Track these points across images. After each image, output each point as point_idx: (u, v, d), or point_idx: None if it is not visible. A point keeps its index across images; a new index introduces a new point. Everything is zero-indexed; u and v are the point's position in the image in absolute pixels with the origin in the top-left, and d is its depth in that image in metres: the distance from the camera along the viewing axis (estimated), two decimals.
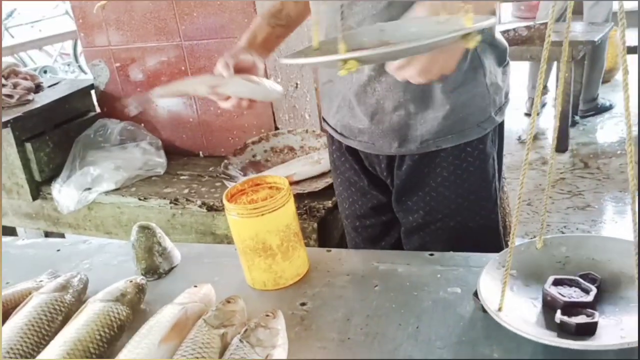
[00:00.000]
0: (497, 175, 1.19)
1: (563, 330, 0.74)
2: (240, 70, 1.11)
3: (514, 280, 0.84)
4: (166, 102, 2.17)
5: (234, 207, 0.96)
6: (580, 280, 0.81)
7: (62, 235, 2.26)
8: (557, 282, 0.80)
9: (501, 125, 1.18)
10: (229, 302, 0.87)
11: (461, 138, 1.12)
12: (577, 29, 3.52)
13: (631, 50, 3.41)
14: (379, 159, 1.20)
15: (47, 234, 2.33)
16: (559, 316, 0.75)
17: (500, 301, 0.77)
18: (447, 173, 1.14)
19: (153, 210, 1.88)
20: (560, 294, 0.78)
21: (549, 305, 0.79)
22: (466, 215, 1.17)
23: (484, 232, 1.19)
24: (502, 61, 1.15)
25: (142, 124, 2.21)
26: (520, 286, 0.84)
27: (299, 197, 1.66)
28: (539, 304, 0.81)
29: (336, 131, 1.24)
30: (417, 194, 1.18)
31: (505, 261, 0.80)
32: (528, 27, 3.35)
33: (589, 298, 0.77)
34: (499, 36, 1.14)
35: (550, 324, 0.76)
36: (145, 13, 2.05)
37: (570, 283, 0.80)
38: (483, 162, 1.15)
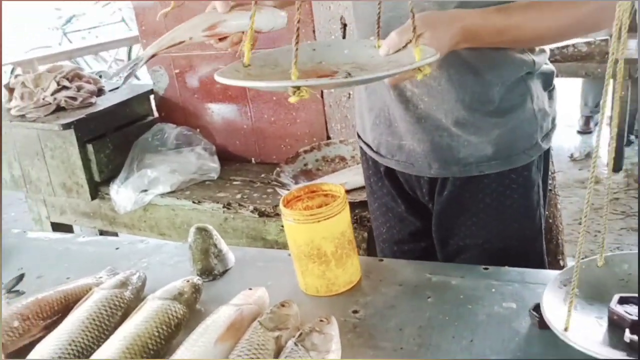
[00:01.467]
0: (542, 201, 1.15)
1: (632, 349, 0.72)
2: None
3: (577, 299, 0.83)
4: (221, 108, 2.22)
5: (291, 212, 0.97)
6: None
7: (116, 235, 2.33)
8: (622, 301, 0.78)
9: (547, 152, 1.14)
10: (283, 305, 0.88)
11: (506, 165, 1.09)
12: (632, 46, 3.42)
13: None
14: (419, 183, 1.17)
15: (102, 233, 2.40)
16: (628, 335, 0.73)
17: (567, 320, 0.76)
18: (489, 200, 1.11)
19: (206, 214, 1.92)
20: (627, 312, 0.76)
21: (615, 324, 0.77)
22: (508, 242, 1.14)
23: (527, 259, 1.14)
24: (547, 86, 1.12)
25: (198, 129, 2.27)
26: (584, 305, 0.82)
27: (349, 207, 1.66)
28: (604, 323, 0.79)
29: (372, 149, 1.22)
30: (459, 219, 1.15)
31: (566, 279, 0.79)
32: (588, 43, 3.28)
33: None
34: (545, 63, 1.11)
35: (617, 343, 0.75)
36: None
37: (636, 301, 0.78)
38: (527, 189, 1.11)
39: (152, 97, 2.38)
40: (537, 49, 1.06)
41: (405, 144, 1.13)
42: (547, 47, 1.10)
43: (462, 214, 1.14)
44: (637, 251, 0.85)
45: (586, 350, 0.71)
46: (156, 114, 2.39)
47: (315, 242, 0.96)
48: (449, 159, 1.10)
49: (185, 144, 2.19)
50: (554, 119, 1.14)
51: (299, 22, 0.70)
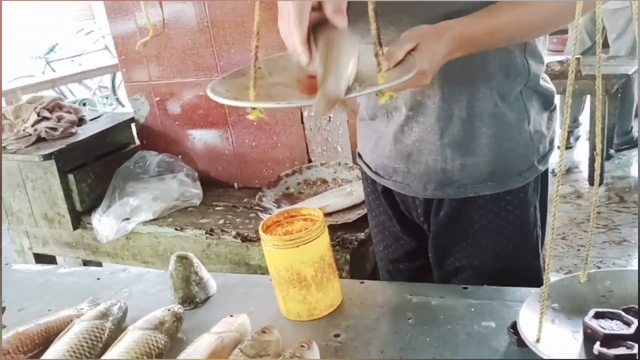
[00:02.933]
0: (538, 222, 1.15)
1: None
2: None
3: (557, 313, 0.84)
4: (202, 134, 2.23)
5: (270, 238, 0.98)
6: (623, 313, 0.80)
7: (99, 264, 2.31)
8: (598, 315, 0.80)
9: (545, 173, 1.14)
10: (264, 332, 0.88)
11: (501, 186, 1.08)
12: (605, 63, 3.51)
13: None
14: (415, 204, 1.17)
15: (85, 263, 2.38)
16: (597, 347, 0.74)
17: (538, 332, 0.77)
18: (485, 221, 1.11)
19: (189, 241, 1.92)
20: (600, 326, 0.77)
21: (589, 338, 0.78)
22: (505, 263, 1.14)
23: (524, 280, 1.13)
24: (548, 106, 1.12)
25: (180, 156, 2.27)
26: (563, 319, 0.83)
27: (331, 229, 1.67)
28: (580, 337, 0.80)
29: (370, 169, 1.23)
30: (455, 240, 1.15)
31: (543, 296, 0.80)
32: (561, 62, 3.35)
33: (630, 331, 0.77)
34: (544, 81, 1.11)
35: (588, 356, 0.76)
36: (184, 49, 2.12)
37: (612, 316, 0.80)
38: (524, 210, 1.11)
39: (133, 125, 2.38)
40: (531, 60, 1.05)
41: (400, 167, 1.14)
42: (544, 59, 1.09)
43: (458, 235, 1.14)
44: (620, 269, 0.87)
45: (550, 358, 0.72)
46: (137, 142, 2.39)
47: (295, 266, 0.97)
48: (444, 180, 1.09)
49: (167, 171, 2.19)
50: (552, 141, 1.13)
51: (257, 35, 0.70)
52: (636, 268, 0.86)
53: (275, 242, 0.97)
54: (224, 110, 2.13)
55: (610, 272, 0.90)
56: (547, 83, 1.12)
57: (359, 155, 1.29)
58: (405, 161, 1.12)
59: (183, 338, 0.98)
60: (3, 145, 2.17)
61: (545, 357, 0.73)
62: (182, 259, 1.11)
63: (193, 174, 2.20)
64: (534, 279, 1.16)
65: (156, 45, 2.17)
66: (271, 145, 2.08)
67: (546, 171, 1.14)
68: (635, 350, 0.73)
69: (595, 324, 0.78)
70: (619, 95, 3.65)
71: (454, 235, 1.15)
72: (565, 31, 3.92)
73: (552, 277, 0.82)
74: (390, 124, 1.12)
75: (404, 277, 1.28)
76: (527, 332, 0.78)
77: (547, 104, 1.11)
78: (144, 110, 2.31)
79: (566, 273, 2.78)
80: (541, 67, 1.09)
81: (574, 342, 0.79)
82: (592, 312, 0.81)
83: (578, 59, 3.27)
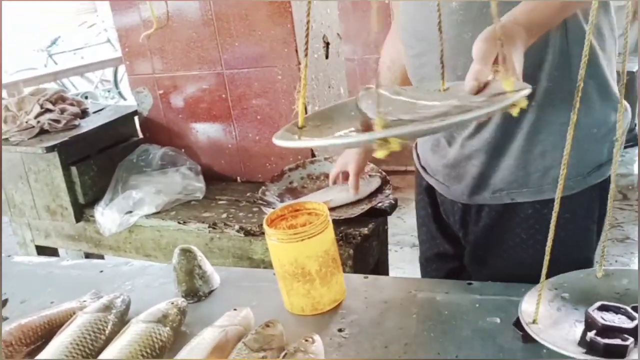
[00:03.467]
0: (593, 237, 1.06)
1: (592, 348, 0.73)
2: None
3: (564, 302, 0.83)
4: (205, 128, 2.22)
5: (275, 232, 0.97)
6: (629, 309, 0.79)
7: (101, 257, 2.31)
8: (603, 308, 0.79)
9: (602, 184, 1.03)
10: (268, 326, 0.88)
11: (538, 194, 1.02)
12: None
13: None
14: (453, 209, 1.15)
15: (87, 255, 2.38)
16: (590, 334, 0.74)
17: (535, 313, 0.77)
18: (525, 235, 1.06)
19: (192, 234, 1.91)
20: (602, 317, 0.77)
21: (588, 327, 0.78)
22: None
23: None
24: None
25: (183, 150, 2.26)
26: (569, 308, 0.83)
27: (334, 224, 1.65)
28: (580, 326, 0.79)
29: (419, 162, 1.24)
30: (492, 251, 1.11)
31: (558, 283, 0.80)
32: None
33: (630, 325, 0.76)
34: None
35: (581, 342, 0.76)
36: (188, 42, 2.11)
37: (617, 310, 0.79)
38: (567, 224, 1.00)
39: (136, 118, 2.37)
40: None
41: (441, 167, 1.13)
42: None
43: (497, 246, 1.10)
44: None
45: (542, 340, 0.73)
46: (140, 135, 2.38)
47: (299, 261, 0.97)
48: (480, 185, 1.07)
49: (170, 164, 2.18)
50: (610, 150, 1.03)
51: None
52: None
53: (280, 236, 0.97)
54: (228, 104, 2.13)
55: (629, 271, 0.89)
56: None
57: (416, 145, 1.27)
58: (446, 162, 1.12)
59: (186, 331, 0.98)
60: (6, 137, 2.16)
61: (536, 338, 0.74)
62: (186, 252, 1.10)
63: (196, 168, 2.19)
64: None
65: (160, 38, 2.16)
66: None
67: (603, 185, 1.04)
68: (628, 343, 0.73)
69: (597, 314, 0.78)
70: (624, 92, 3.64)
71: (491, 245, 1.11)
72: None
73: None
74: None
75: (435, 277, 1.27)
76: (526, 312, 0.78)
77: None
78: (147, 103, 2.30)
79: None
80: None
81: (571, 329, 0.79)
82: (597, 304, 0.80)
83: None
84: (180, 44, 2.13)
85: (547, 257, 0.76)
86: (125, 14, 2.21)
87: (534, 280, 1.03)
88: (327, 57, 2.06)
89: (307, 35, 0.69)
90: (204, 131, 2.23)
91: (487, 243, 1.12)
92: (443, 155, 1.13)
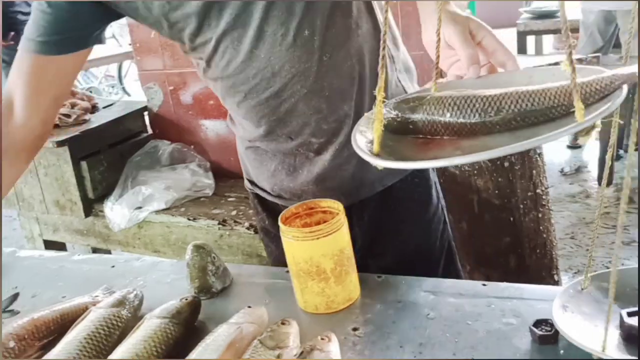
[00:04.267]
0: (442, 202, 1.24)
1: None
2: None
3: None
4: (215, 124, 2.22)
5: (290, 229, 0.97)
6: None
7: (109, 252, 2.31)
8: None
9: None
10: (283, 323, 0.88)
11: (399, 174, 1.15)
12: (616, 63, 3.48)
13: None
14: None
15: (95, 250, 2.38)
16: (625, 312, 0.74)
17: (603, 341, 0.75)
18: (402, 209, 1.18)
19: (201, 231, 1.91)
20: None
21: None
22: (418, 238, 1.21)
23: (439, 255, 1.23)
24: None
25: (192, 146, 2.26)
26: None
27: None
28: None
29: (271, 194, 1.22)
30: (385, 240, 1.21)
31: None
32: (579, 60, 3.33)
33: None
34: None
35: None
36: None
37: None
38: (425, 190, 1.20)
39: (146, 114, 2.37)
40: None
41: (310, 188, 1.16)
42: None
43: (387, 232, 1.20)
44: None
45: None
46: (150, 131, 2.39)
47: (315, 259, 0.96)
48: (356, 185, 1.14)
49: (180, 161, 2.19)
50: None
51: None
52: None
53: (296, 233, 0.96)
54: None
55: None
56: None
57: (251, 183, 1.28)
58: (314, 181, 1.14)
59: (199, 328, 0.98)
60: None
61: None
62: (199, 249, 1.10)
63: (205, 165, 2.19)
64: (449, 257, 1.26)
65: None
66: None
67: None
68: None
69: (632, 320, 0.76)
70: (630, 95, 3.62)
71: (383, 232, 1.20)
72: (576, 29, 3.88)
73: (562, 276, 0.81)
74: (291, 148, 1.13)
75: None
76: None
77: None
78: (157, 99, 2.30)
79: (575, 273, 2.76)
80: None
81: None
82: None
83: (597, 57, 3.23)
84: None
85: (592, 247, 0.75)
86: None
87: (430, 263, 1.20)
88: None
89: (382, 57, 0.60)
90: (214, 128, 2.23)
91: (379, 234, 1.19)
92: (310, 171, 1.14)
